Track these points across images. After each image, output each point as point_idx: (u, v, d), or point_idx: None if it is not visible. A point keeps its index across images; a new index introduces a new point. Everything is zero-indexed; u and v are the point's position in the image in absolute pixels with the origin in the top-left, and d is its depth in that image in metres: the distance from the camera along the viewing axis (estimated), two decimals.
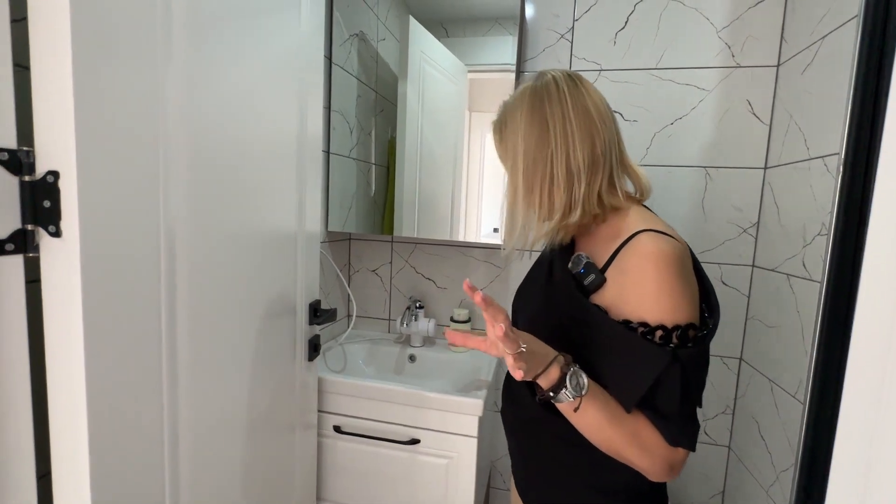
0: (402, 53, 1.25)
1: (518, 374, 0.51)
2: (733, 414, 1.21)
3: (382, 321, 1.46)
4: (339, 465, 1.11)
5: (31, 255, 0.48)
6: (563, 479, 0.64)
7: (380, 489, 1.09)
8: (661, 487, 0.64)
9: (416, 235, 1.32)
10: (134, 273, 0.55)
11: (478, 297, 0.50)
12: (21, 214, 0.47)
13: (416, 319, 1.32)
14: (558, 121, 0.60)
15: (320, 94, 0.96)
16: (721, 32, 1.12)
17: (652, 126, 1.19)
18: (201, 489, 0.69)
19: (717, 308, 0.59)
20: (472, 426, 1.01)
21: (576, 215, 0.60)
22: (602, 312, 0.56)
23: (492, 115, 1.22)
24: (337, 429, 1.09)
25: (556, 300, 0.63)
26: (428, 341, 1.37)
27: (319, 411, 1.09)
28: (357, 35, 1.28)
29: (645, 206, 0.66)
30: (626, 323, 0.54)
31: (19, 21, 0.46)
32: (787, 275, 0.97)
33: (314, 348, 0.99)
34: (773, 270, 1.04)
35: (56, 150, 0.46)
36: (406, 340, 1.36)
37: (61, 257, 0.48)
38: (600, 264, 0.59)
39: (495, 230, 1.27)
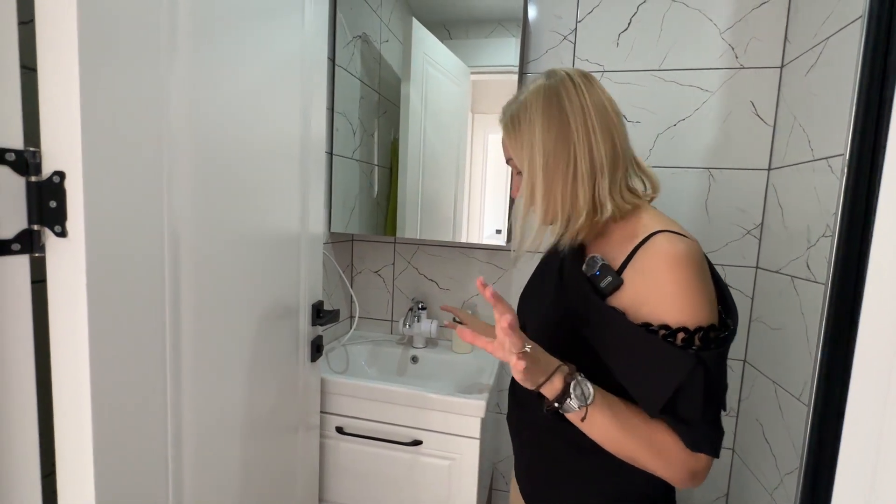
0: (405, 55, 1.25)
1: (519, 376, 0.51)
2: (737, 416, 1.20)
3: (385, 322, 1.46)
4: (341, 466, 1.11)
5: (36, 255, 0.48)
6: (572, 485, 0.63)
7: (382, 490, 1.09)
8: (671, 495, 0.63)
9: (418, 237, 1.32)
10: (138, 273, 0.55)
11: (488, 293, 0.50)
12: (27, 214, 0.47)
13: (418, 321, 1.32)
14: (578, 115, 0.59)
15: (323, 96, 0.96)
16: (724, 34, 1.12)
17: (655, 127, 1.18)
18: (204, 490, 0.69)
19: (735, 309, 0.58)
20: (474, 428, 1.01)
21: (607, 210, 0.58)
22: (621, 315, 0.54)
23: (495, 116, 1.23)
24: (339, 430, 1.09)
25: (570, 305, 0.61)
26: (430, 342, 1.37)
27: (322, 412, 1.09)
28: (360, 37, 1.29)
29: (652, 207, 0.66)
30: (646, 326, 0.53)
31: (26, 23, 0.46)
32: (792, 276, 0.97)
33: (317, 349, 0.99)
34: (777, 272, 1.04)
35: (62, 151, 0.47)
36: (408, 342, 1.36)
37: (67, 257, 0.48)
38: (615, 266, 0.58)
39: (498, 231, 1.27)
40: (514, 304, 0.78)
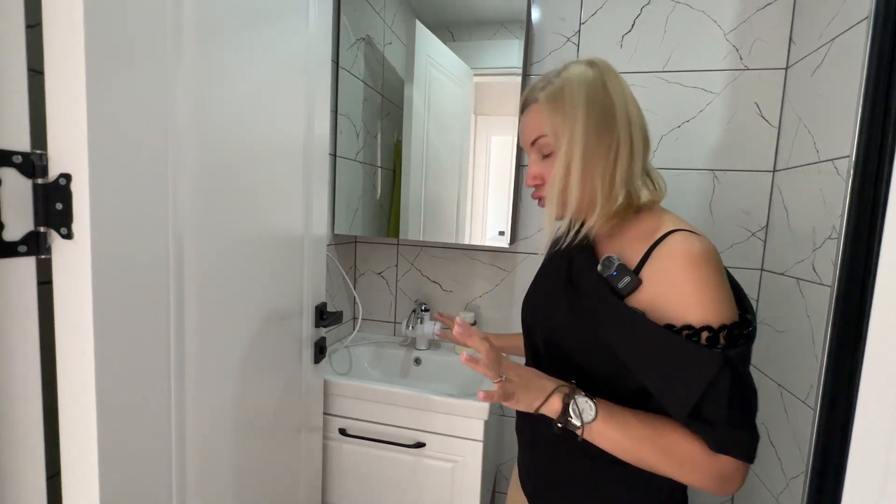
0: (409, 57, 1.26)
1: (504, 402, 0.55)
2: None
3: (388, 324, 1.46)
4: (344, 468, 1.11)
5: (43, 256, 0.48)
6: (585, 495, 0.63)
7: (385, 493, 1.09)
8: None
9: (421, 238, 1.32)
10: (143, 275, 0.55)
11: (456, 331, 0.55)
12: (34, 217, 0.47)
13: (421, 322, 1.32)
14: (621, 100, 0.59)
15: (327, 98, 0.96)
16: (728, 35, 1.11)
17: (659, 129, 1.18)
18: (207, 491, 0.69)
19: (751, 306, 0.58)
20: (477, 430, 1.01)
21: (643, 196, 0.59)
22: (643, 316, 0.53)
23: (498, 118, 1.24)
24: (342, 431, 1.09)
25: (585, 309, 0.59)
26: (433, 344, 1.36)
27: (325, 414, 1.09)
28: (364, 39, 1.29)
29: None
30: (668, 326, 0.52)
31: (34, 27, 0.47)
32: (797, 279, 0.96)
33: (320, 351, 0.99)
34: (782, 274, 1.03)
35: (68, 154, 0.47)
36: (411, 343, 1.36)
37: (72, 259, 0.48)
38: (631, 266, 0.56)
39: (501, 233, 1.27)
40: (516, 305, 0.78)
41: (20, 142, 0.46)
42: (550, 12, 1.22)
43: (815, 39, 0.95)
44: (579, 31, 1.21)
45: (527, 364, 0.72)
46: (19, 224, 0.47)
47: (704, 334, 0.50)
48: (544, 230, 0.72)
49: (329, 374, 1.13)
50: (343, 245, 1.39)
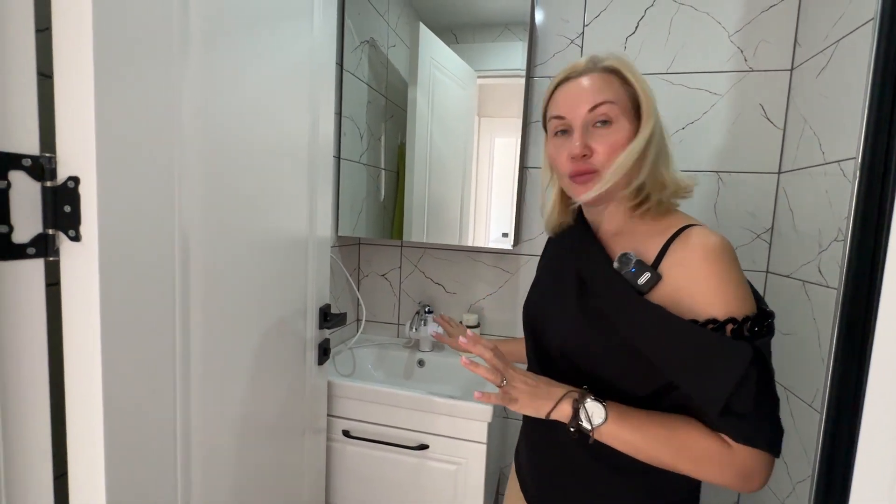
0: (412, 59, 1.26)
1: (510, 406, 0.57)
2: None
3: (391, 325, 1.47)
4: (347, 470, 1.11)
5: (51, 258, 0.49)
6: (595, 499, 0.62)
7: (388, 494, 1.09)
8: None
9: (425, 240, 1.32)
10: (150, 276, 0.55)
11: (463, 342, 0.58)
12: (42, 219, 0.48)
13: (424, 324, 1.32)
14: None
15: (331, 100, 0.97)
16: (733, 37, 1.11)
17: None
18: (212, 491, 0.69)
19: (763, 300, 0.58)
20: (481, 432, 1.01)
21: (682, 192, 0.61)
22: (667, 312, 0.52)
23: (502, 120, 1.24)
24: (346, 433, 1.09)
25: (603, 309, 0.58)
26: (437, 346, 1.36)
27: (328, 415, 1.09)
28: (368, 42, 1.30)
29: None
30: (692, 321, 0.52)
31: (43, 31, 0.47)
32: (803, 281, 0.95)
33: (324, 352, 0.99)
34: (788, 277, 1.03)
35: (77, 157, 0.48)
36: (415, 345, 1.36)
37: (80, 261, 0.49)
38: (647, 261, 0.56)
39: (504, 235, 1.27)
40: (520, 307, 0.77)
41: (29, 145, 0.46)
42: (554, 14, 1.22)
43: (821, 41, 0.95)
44: (583, 33, 1.21)
45: (530, 367, 0.72)
46: (28, 226, 0.47)
47: (729, 327, 0.50)
48: (552, 212, 0.70)
49: (333, 375, 1.13)
50: (347, 247, 1.39)
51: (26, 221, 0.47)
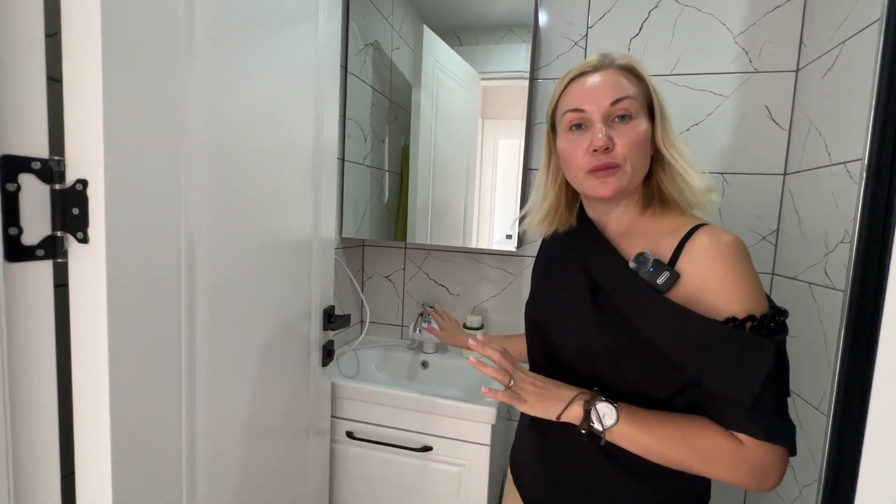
0: (416, 62, 1.27)
1: (518, 407, 0.57)
2: None
3: (395, 327, 1.47)
4: (351, 471, 1.11)
5: (59, 260, 0.49)
6: (601, 497, 0.62)
7: (392, 496, 1.09)
8: None
9: (428, 242, 1.32)
10: (156, 278, 0.56)
11: (472, 343, 0.58)
12: (51, 221, 0.48)
13: (428, 325, 1.32)
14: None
15: (336, 103, 0.97)
16: (738, 38, 1.11)
17: None
18: (217, 492, 0.70)
19: (769, 297, 0.58)
20: (484, 434, 1.01)
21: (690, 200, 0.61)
22: (691, 312, 0.51)
23: (505, 122, 1.24)
24: (350, 434, 1.09)
25: (623, 312, 0.56)
26: (440, 348, 1.36)
27: (332, 417, 1.09)
28: (372, 44, 1.30)
29: None
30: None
31: (52, 36, 0.48)
32: (809, 283, 0.95)
33: (328, 354, 1.00)
34: (793, 279, 1.02)
35: (85, 159, 0.48)
36: (419, 347, 1.36)
37: (88, 263, 0.49)
38: (663, 261, 0.56)
39: (508, 237, 1.27)
40: (522, 309, 0.77)
41: (39, 148, 0.47)
42: (558, 16, 1.23)
43: (827, 41, 0.94)
44: (587, 34, 1.21)
45: (535, 369, 0.71)
46: (37, 228, 0.48)
47: (749, 324, 0.50)
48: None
49: (337, 377, 1.14)
50: (351, 248, 1.40)
51: (35, 223, 0.47)
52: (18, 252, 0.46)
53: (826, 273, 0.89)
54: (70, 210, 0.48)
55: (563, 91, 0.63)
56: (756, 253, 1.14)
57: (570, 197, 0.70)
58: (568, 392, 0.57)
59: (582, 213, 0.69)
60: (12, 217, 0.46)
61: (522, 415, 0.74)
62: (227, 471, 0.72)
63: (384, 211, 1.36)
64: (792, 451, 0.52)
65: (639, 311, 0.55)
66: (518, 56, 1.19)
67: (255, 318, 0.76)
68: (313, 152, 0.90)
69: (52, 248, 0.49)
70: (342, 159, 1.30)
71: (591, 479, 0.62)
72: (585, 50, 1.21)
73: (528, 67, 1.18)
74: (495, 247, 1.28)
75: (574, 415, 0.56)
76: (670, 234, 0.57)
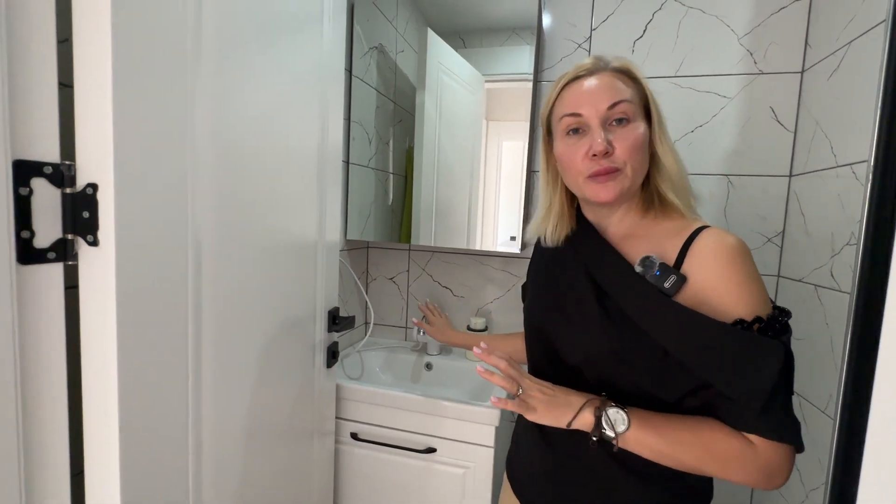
0: (420, 64, 1.27)
1: (528, 417, 0.57)
2: None
3: (399, 329, 1.47)
4: (355, 472, 1.12)
5: (70, 263, 0.50)
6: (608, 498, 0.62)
7: (396, 497, 1.09)
8: None
9: (433, 244, 1.33)
10: (164, 280, 0.57)
11: (477, 352, 0.58)
12: (62, 225, 0.49)
13: None
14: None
15: (341, 106, 0.98)
16: (742, 39, 1.10)
17: (672, 134, 1.15)
18: (222, 492, 0.70)
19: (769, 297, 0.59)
20: (488, 436, 1.01)
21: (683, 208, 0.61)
22: (702, 315, 0.51)
23: (509, 124, 1.24)
24: (354, 436, 1.09)
25: (631, 316, 0.56)
26: (444, 349, 1.37)
27: (337, 418, 1.10)
28: (376, 48, 1.31)
29: None
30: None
31: (63, 42, 0.49)
32: (815, 285, 0.94)
33: (332, 355, 1.00)
34: (799, 281, 1.01)
35: (95, 164, 0.49)
36: (423, 348, 1.37)
37: (97, 265, 0.50)
38: (668, 263, 0.56)
39: (512, 238, 1.27)
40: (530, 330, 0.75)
41: (51, 153, 0.48)
42: (561, 18, 1.23)
43: (832, 42, 0.94)
44: (590, 37, 1.21)
45: (533, 370, 0.71)
46: (48, 232, 0.49)
47: (756, 326, 0.51)
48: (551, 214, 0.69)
49: (341, 378, 1.14)
50: (355, 250, 1.40)
51: (47, 227, 0.48)
52: (31, 255, 0.47)
53: (832, 275, 0.88)
54: (80, 213, 0.49)
55: (558, 95, 0.62)
56: (762, 255, 1.14)
57: (569, 200, 0.69)
58: (577, 399, 0.57)
59: (580, 215, 0.68)
60: (25, 220, 0.46)
61: (520, 421, 0.73)
62: (233, 471, 0.73)
63: (388, 213, 1.37)
64: (800, 448, 0.52)
65: (647, 315, 0.55)
66: (522, 58, 1.20)
67: (260, 319, 0.77)
68: (318, 155, 0.90)
69: (63, 251, 0.49)
70: (347, 162, 1.30)
71: (599, 483, 0.61)
72: (589, 52, 1.22)
73: (531, 70, 1.18)
74: (499, 249, 1.28)
75: (585, 422, 0.55)
76: (674, 236, 0.57)
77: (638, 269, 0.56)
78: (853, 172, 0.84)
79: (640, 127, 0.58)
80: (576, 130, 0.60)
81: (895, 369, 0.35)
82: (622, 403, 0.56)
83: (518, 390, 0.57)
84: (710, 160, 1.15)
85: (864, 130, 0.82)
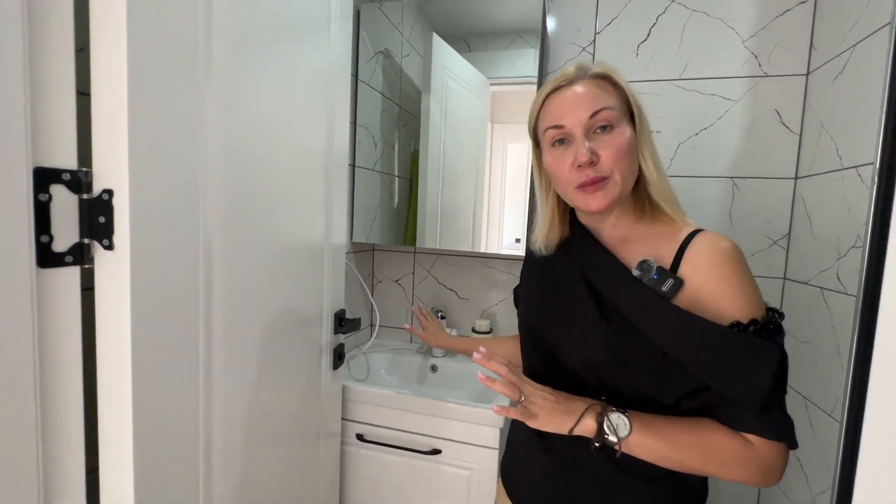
0: (426, 68, 1.28)
1: (529, 424, 0.57)
2: None
3: (405, 331, 1.48)
4: (361, 474, 1.12)
5: (86, 266, 0.52)
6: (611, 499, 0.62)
7: (401, 498, 1.10)
8: None
9: (438, 246, 1.34)
10: (176, 283, 0.58)
11: (477, 358, 0.57)
12: (79, 229, 0.51)
13: None
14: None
15: (347, 111, 0.99)
16: (747, 42, 1.11)
17: (676, 136, 1.18)
18: (230, 492, 0.71)
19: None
20: (493, 438, 1.01)
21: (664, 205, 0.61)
22: (700, 318, 0.52)
23: (514, 126, 1.25)
24: (359, 437, 1.10)
25: (630, 320, 0.56)
26: (449, 352, 1.37)
27: (343, 419, 1.11)
28: (382, 52, 1.32)
29: None
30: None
31: (80, 51, 0.50)
32: (821, 288, 0.94)
33: (339, 357, 1.01)
34: (805, 283, 1.01)
35: (111, 170, 0.50)
36: (428, 350, 1.37)
37: (112, 268, 0.51)
38: (664, 266, 0.56)
39: (517, 241, 1.27)
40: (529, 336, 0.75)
41: (68, 160, 0.49)
42: (566, 22, 1.24)
43: (837, 45, 0.94)
44: (594, 40, 1.22)
45: (529, 374, 0.70)
46: (66, 236, 0.50)
47: (752, 328, 0.52)
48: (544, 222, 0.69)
49: (347, 380, 1.15)
50: (361, 253, 1.42)
51: (65, 231, 0.50)
52: (49, 259, 0.48)
53: (838, 278, 0.88)
54: (97, 218, 0.51)
55: (541, 106, 0.63)
56: (767, 257, 1.14)
57: (563, 206, 0.69)
58: (578, 404, 0.57)
59: (575, 220, 0.68)
60: (44, 225, 0.48)
61: (515, 426, 0.73)
62: (241, 471, 0.74)
63: (394, 216, 1.38)
64: (794, 445, 0.53)
65: (646, 319, 0.55)
66: (526, 62, 1.20)
67: (268, 321, 0.78)
68: (325, 159, 0.92)
69: (80, 255, 0.51)
70: (353, 165, 1.32)
71: (599, 487, 0.62)
72: (594, 55, 1.22)
73: (536, 73, 1.19)
74: (504, 251, 1.29)
75: (587, 428, 0.56)
76: (668, 240, 0.58)
77: (635, 272, 0.57)
78: (859, 175, 0.84)
79: (624, 132, 0.58)
80: (561, 141, 0.60)
81: (895, 370, 0.36)
82: (622, 407, 0.56)
83: (520, 397, 0.57)
84: (715, 163, 1.15)
85: (870, 132, 0.82)
